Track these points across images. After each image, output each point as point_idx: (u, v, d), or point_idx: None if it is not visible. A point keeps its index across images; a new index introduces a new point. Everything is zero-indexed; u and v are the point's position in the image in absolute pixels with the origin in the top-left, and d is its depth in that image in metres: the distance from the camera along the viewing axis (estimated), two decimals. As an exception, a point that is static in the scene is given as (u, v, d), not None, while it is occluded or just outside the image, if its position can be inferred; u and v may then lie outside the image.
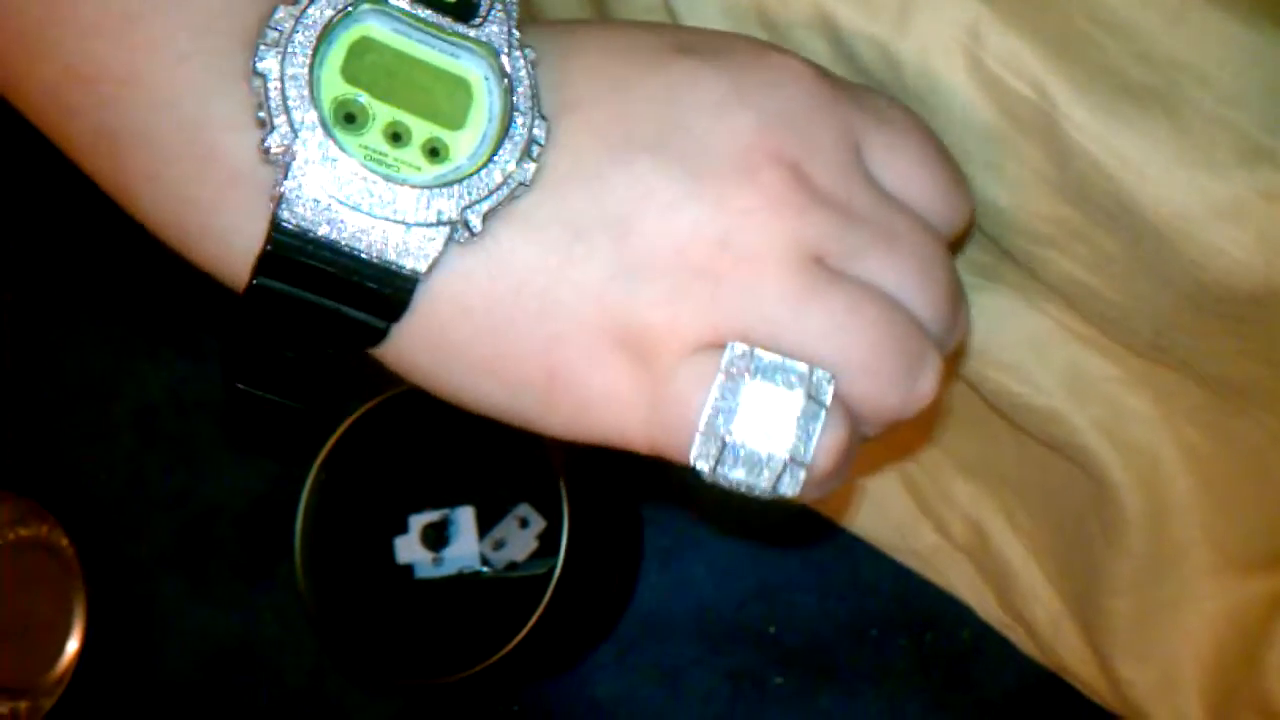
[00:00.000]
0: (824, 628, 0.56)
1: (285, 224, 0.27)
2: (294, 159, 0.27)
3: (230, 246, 0.29)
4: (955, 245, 0.39)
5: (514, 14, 0.29)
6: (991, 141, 0.36)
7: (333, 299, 0.28)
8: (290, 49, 0.27)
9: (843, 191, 0.30)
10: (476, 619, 0.58)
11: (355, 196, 0.27)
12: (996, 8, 0.35)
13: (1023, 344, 0.42)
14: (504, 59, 0.29)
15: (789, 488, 0.29)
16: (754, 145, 0.30)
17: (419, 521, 0.59)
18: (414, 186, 0.28)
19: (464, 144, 0.29)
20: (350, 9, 0.28)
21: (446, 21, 0.29)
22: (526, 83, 0.29)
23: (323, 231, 0.28)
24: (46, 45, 0.28)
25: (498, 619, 0.53)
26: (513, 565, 0.59)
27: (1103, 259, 0.37)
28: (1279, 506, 0.42)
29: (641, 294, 0.29)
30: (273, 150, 0.27)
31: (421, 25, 0.29)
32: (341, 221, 0.28)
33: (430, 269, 0.28)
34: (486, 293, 0.29)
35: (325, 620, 0.54)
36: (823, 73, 0.32)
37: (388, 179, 0.28)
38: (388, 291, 0.28)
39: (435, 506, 0.60)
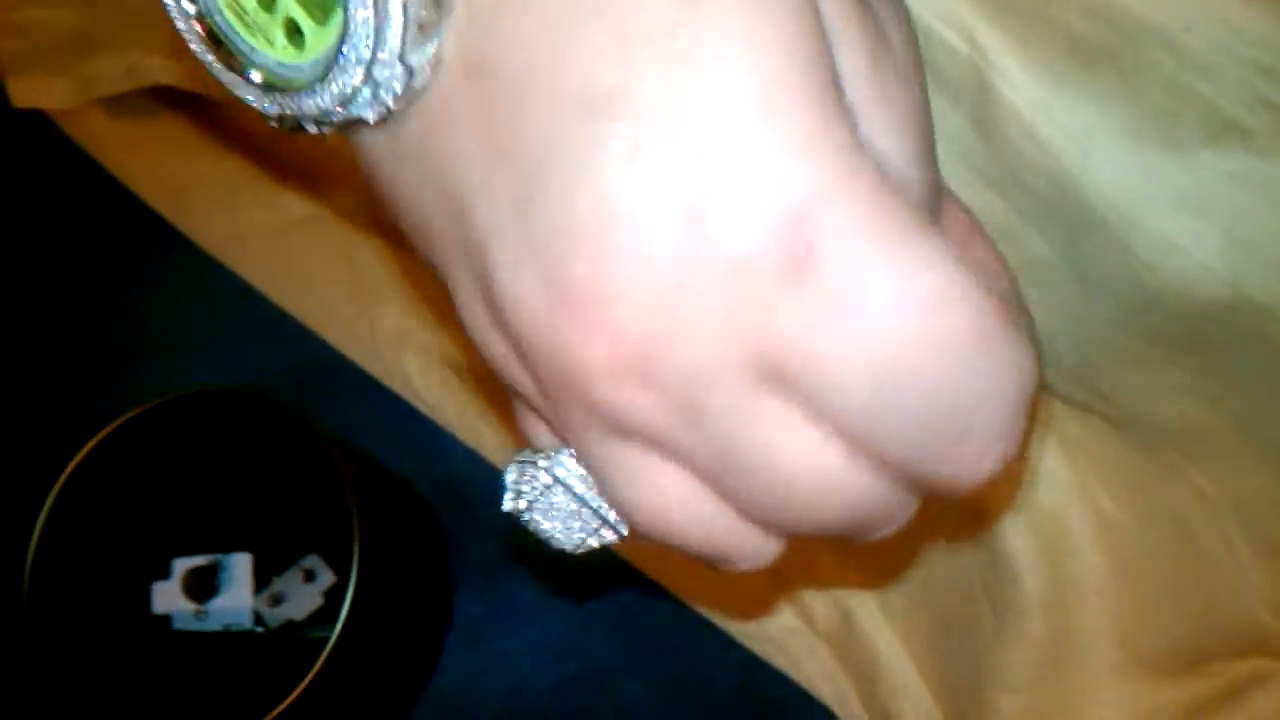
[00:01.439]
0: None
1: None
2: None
3: None
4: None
5: None
6: None
7: None
8: None
9: (688, 400, 0.22)
10: (240, 682, 0.49)
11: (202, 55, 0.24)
12: (924, -56, 0.29)
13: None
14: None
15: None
16: (592, 303, 0.22)
17: (184, 565, 0.50)
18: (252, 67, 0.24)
19: (319, 42, 0.23)
20: None
21: None
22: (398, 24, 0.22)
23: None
24: None
25: (266, 684, 0.44)
26: (291, 625, 0.50)
27: (1027, 263, 0.31)
28: (1203, 595, 0.36)
29: (462, 315, 0.24)
30: None
31: None
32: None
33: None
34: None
35: (53, 670, 0.45)
36: (793, 241, 0.21)
37: (233, 50, 0.24)
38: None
39: (205, 549, 0.51)
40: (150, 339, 0.55)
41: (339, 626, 0.43)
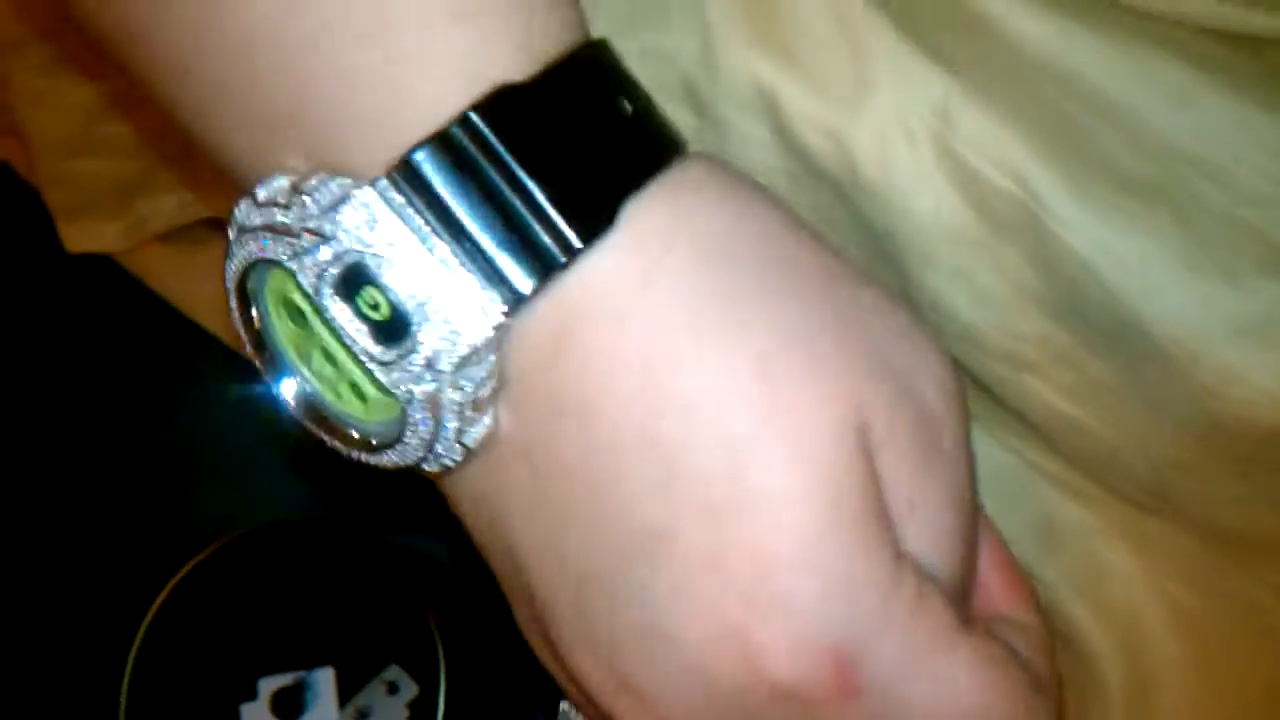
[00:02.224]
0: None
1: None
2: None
3: None
4: None
5: (445, 360, 0.23)
6: (962, 245, 0.31)
7: None
8: (236, 248, 0.25)
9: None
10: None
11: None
12: (969, 85, 0.30)
13: (985, 486, 0.36)
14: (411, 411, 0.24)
15: None
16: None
17: (269, 686, 0.51)
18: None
19: (382, 410, 0.25)
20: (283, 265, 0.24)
21: (362, 335, 0.23)
22: (430, 421, 0.24)
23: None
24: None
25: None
26: (379, 737, 0.51)
27: (1093, 387, 0.32)
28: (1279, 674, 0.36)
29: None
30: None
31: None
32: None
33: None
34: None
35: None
36: (826, 672, 0.23)
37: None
38: None
39: (289, 668, 0.52)
40: (217, 461, 0.56)
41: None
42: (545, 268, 0.23)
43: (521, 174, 0.23)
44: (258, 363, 0.25)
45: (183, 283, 0.54)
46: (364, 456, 0.25)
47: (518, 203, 0.23)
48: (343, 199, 0.23)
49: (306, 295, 0.24)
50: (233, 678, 0.52)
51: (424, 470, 0.25)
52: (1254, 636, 0.36)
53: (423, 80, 0.23)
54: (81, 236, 0.51)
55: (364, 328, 0.23)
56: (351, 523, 0.48)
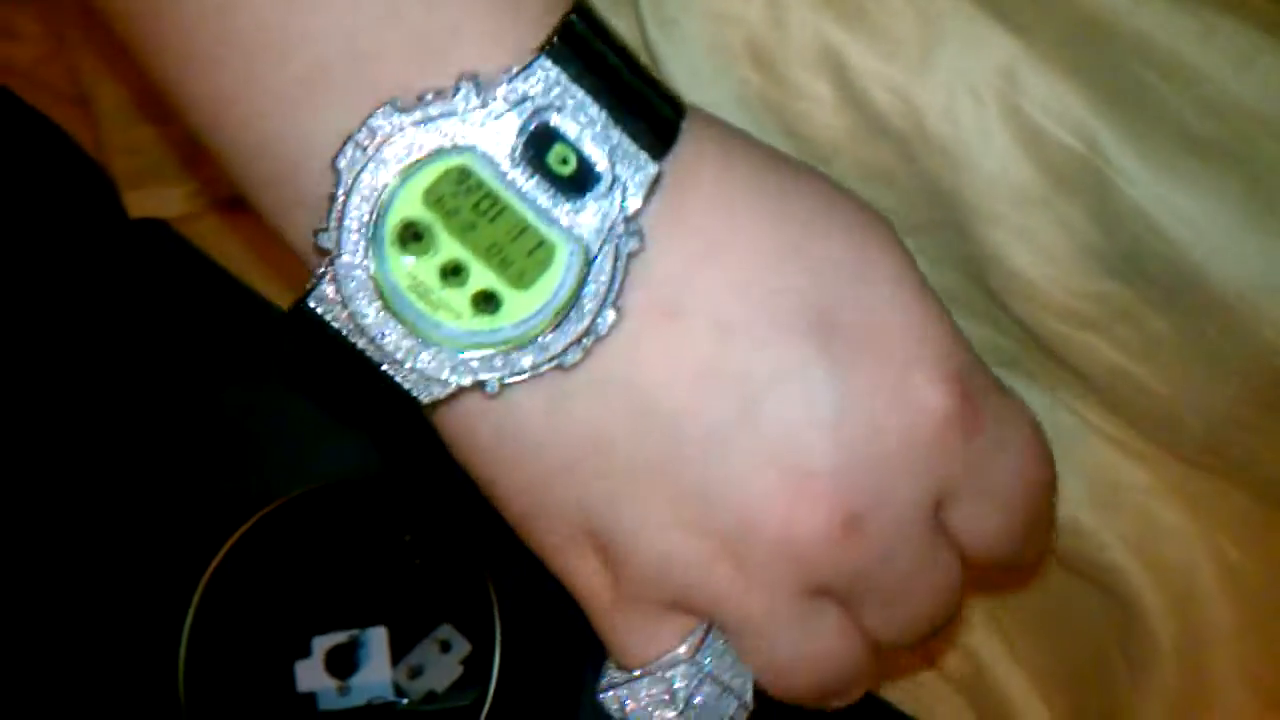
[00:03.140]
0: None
1: (314, 309, 0.27)
2: (333, 266, 0.26)
3: (294, 245, 0.28)
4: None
5: (634, 195, 0.26)
6: (1026, 203, 0.31)
7: (350, 367, 0.28)
8: (377, 156, 0.26)
9: (890, 549, 0.28)
10: (389, 759, 0.51)
11: (375, 329, 0.27)
12: (1036, 46, 0.30)
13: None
14: (590, 251, 0.26)
15: None
16: (819, 486, 0.27)
17: (323, 644, 0.52)
18: (439, 343, 0.27)
19: (522, 306, 0.27)
20: (455, 146, 0.26)
21: (547, 196, 0.26)
22: (605, 280, 0.26)
23: (344, 331, 0.27)
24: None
25: (414, 760, 0.46)
26: (432, 696, 0.52)
27: (1152, 344, 0.32)
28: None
29: (629, 540, 0.28)
30: (319, 245, 0.26)
31: (521, 191, 0.26)
32: (362, 336, 0.27)
33: (436, 404, 0.28)
34: (489, 440, 0.28)
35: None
36: (963, 413, 0.28)
37: (412, 329, 0.27)
38: (399, 395, 0.28)
39: (343, 626, 0.52)
40: (270, 428, 0.56)
41: (492, 691, 0.45)
42: (668, 129, 0.27)
43: (622, 63, 0.26)
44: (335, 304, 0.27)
45: (242, 249, 0.55)
46: (477, 365, 0.27)
47: (631, 78, 0.27)
48: (522, 72, 0.25)
49: (472, 171, 0.26)
50: (288, 636, 0.52)
51: (550, 367, 0.27)
52: (1304, 594, 0.37)
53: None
54: (145, 202, 0.52)
55: (549, 189, 0.26)
56: (406, 483, 0.48)
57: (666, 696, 0.29)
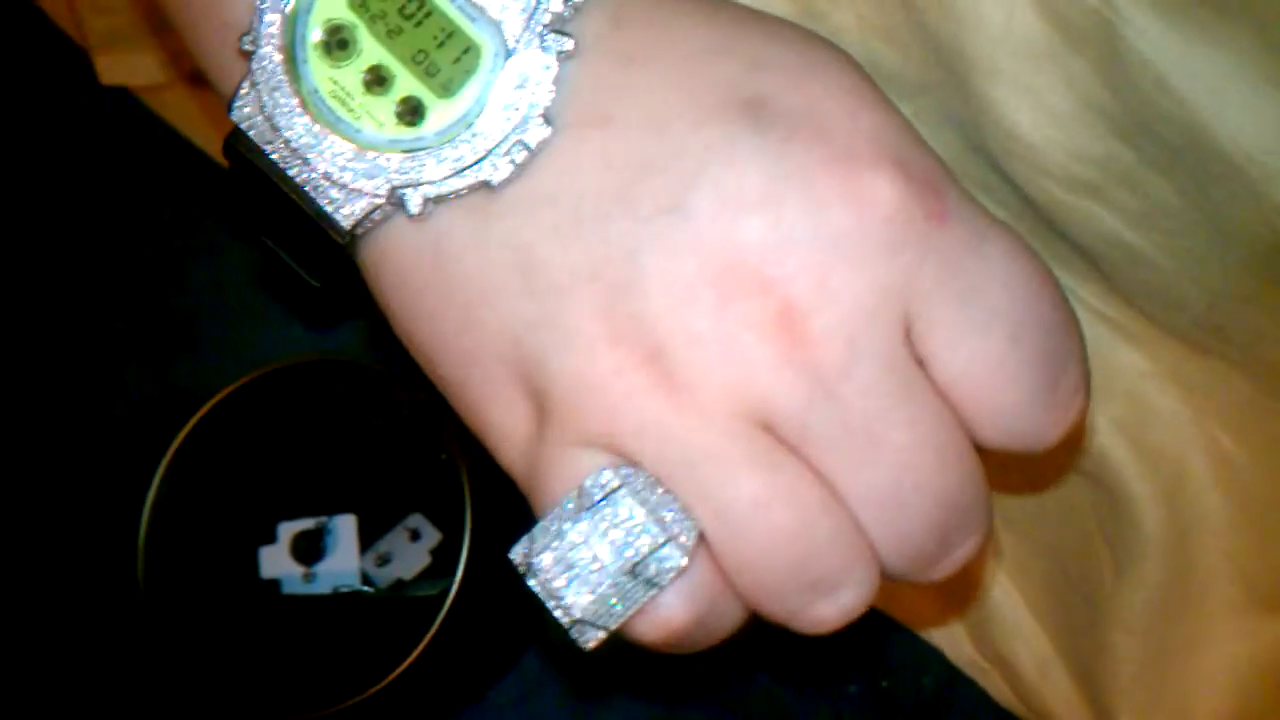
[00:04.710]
0: (764, 670, 0.48)
1: (240, 124, 0.27)
2: (251, 69, 0.26)
3: (221, 83, 0.28)
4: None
5: (553, 2, 0.26)
6: (1033, 58, 0.30)
7: (283, 206, 0.27)
8: None
9: (840, 361, 0.24)
10: (354, 644, 0.50)
11: (298, 138, 0.26)
12: (1047, -107, 0.29)
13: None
14: (520, 46, 0.26)
15: (580, 641, 0.26)
16: (753, 264, 0.24)
17: (289, 530, 0.51)
18: (358, 146, 0.26)
19: (443, 115, 0.26)
20: None
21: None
22: (538, 82, 0.26)
23: (269, 150, 0.27)
24: None
25: (379, 646, 0.45)
26: (400, 584, 0.51)
27: (1155, 211, 0.31)
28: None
29: (558, 361, 0.26)
30: (243, 48, 0.26)
31: None
32: (286, 152, 0.26)
33: (355, 230, 0.27)
34: (420, 278, 0.27)
35: (170, 635, 0.45)
36: (919, 199, 0.25)
37: (333, 127, 0.26)
38: (324, 231, 0.27)
39: (310, 513, 0.51)
40: (231, 305, 0.55)
41: (458, 579, 0.44)
42: None
43: None
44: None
45: (208, 124, 0.53)
46: (394, 171, 0.26)
47: None
48: None
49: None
50: (251, 521, 0.51)
51: (468, 185, 0.26)
52: (1300, 490, 0.36)
53: None
54: (116, 68, 0.50)
55: None
56: (378, 366, 0.47)
57: (578, 518, 0.25)
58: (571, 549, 0.25)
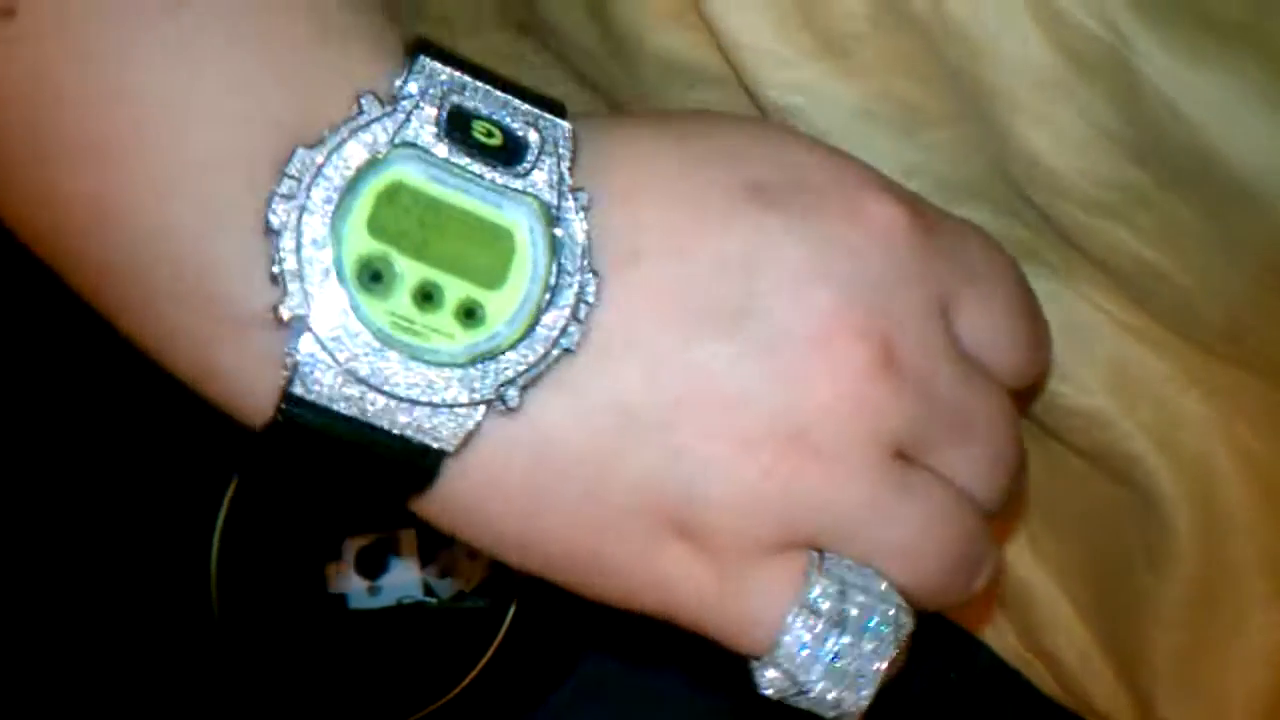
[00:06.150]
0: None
1: (299, 396, 0.25)
2: (308, 330, 0.25)
3: (242, 394, 0.26)
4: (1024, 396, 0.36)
5: (566, 155, 0.27)
6: (1047, 88, 0.31)
7: (352, 464, 0.26)
8: (308, 203, 0.24)
9: (928, 369, 0.28)
10: (419, 656, 0.52)
11: (376, 377, 0.25)
12: (1057, -70, 0.30)
13: (1063, 336, 0.36)
14: (552, 209, 0.26)
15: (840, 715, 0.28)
16: (836, 328, 0.27)
17: (354, 545, 0.53)
18: (443, 366, 0.25)
19: (503, 306, 0.26)
20: (380, 156, 0.25)
21: (489, 168, 0.26)
22: (577, 235, 0.26)
23: (340, 408, 0.25)
24: (26, 173, 0.25)
25: (444, 656, 0.47)
26: (461, 594, 0.53)
27: (1174, 231, 0.32)
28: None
29: (702, 493, 0.26)
30: (285, 317, 0.24)
31: (461, 172, 0.26)
32: (361, 399, 0.25)
33: (460, 447, 0.26)
34: (526, 473, 0.26)
35: (245, 658, 0.47)
36: (916, 215, 0.28)
37: (413, 358, 0.25)
38: (412, 467, 0.26)
39: (372, 529, 0.53)
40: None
41: (519, 591, 0.46)
42: (552, 100, 0.27)
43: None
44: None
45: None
46: (480, 376, 0.26)
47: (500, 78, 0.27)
48: (411, 72, 0.26)
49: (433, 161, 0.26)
50: (319, 538, 0.53)
51: (550, 361, 0.26)
52: (1324, 483, 0.37)
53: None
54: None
55: (489, 161, 0.26)
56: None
57: (820, 625, 0.27)
58: (832, 659, 0.27)
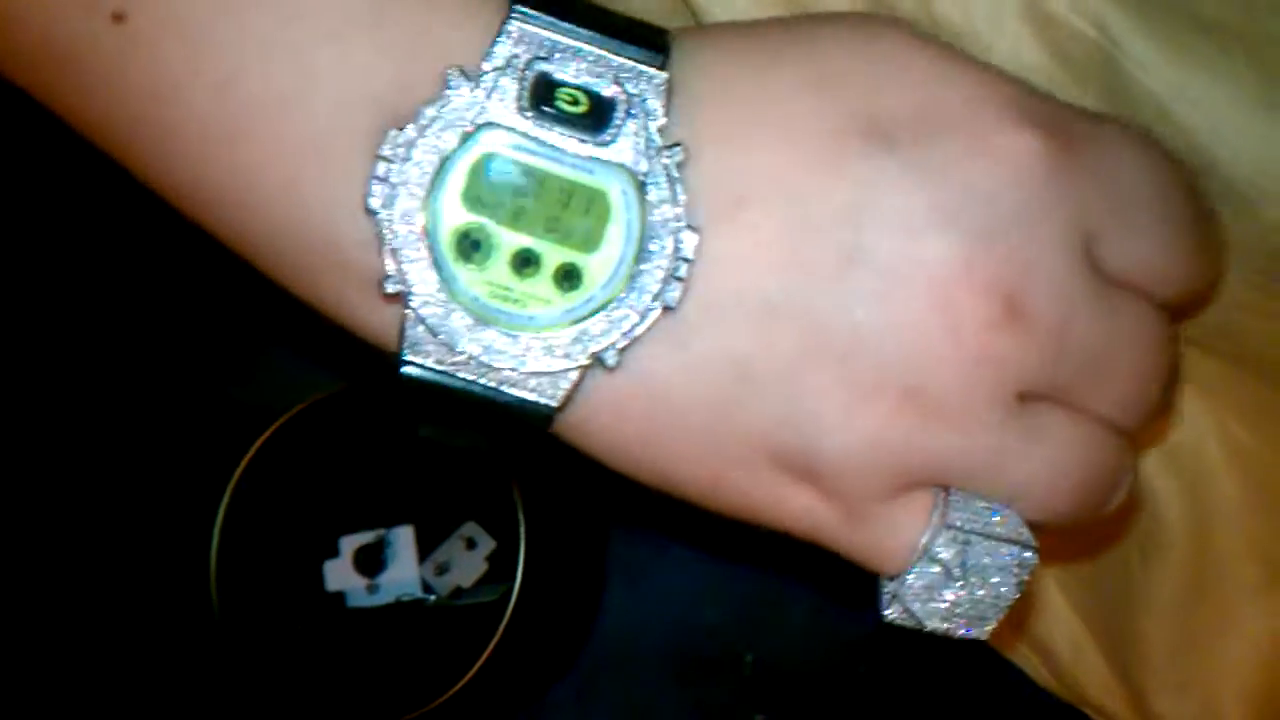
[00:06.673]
0: (808, 657, 0.50)
1: (411, 362, 0.26)
2: (409, 307, 0.26)
3: (381, 346, 0.27)
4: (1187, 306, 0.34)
5: (657, 111, 0.26)
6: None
7: (472, 415, 0.27)
8: (402, 182, 0.25)
9: (1061, 314, 0.26)
10: (418, 653, 0.53)
11: (476, 347, 0.26)
12: (1047, -69, 0.30)
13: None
14: (639, 175, 0.26)
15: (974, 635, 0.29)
16: (955, 278, 0.25)
17: (351, 544, 0.53)
18: (541, 331, 0.26)
19: (600, 267, 0.26)
20: (470, 134, 0.26)
21: (575, 139, 0.26)
22: (668, 196, 0.26)
23: (447, 373, 0.26)
24: (163, 165, 0.27)
25: (443, 653, 0.48)
26: (458, 591, 0.53)
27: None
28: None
29: (819, 444, 0.26)
30: (389, 292, 0.26)
31: (550, 147, 0.26)
32: (467, 364, 0.26)
33: (566, 402, 0.27)
34: (641, 419, 0.27)
35: (245, 657, 0.48)
36: (1055, 140, 0.26)
37: (509, 328, 0.26)
38: (525, 419, 0.27)
39: (369, 527, 0.54)
40: (303, 326, 0.57)
41: (517, 585, 0.46)
42: (658, 38, 0.26)
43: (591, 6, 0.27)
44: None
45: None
46: (588, 335, 0.26)
47: (606, 12, 0.26)
48: (497, 39, 0.25)
49: (498, 155, 0.26)
50: (316, 537, 0.54)
51: (653, 319, 0.26)
52: (1311, 474, 0.37)
53: None
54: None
55: (574, 132, 0.26)
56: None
57: (940, 573, 0.27)
58: (951, 605, 0.28)
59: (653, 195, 0.26)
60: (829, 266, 0.25)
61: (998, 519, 0.27)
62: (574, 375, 0.26)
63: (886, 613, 0.28)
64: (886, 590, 0.28)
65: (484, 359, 0.26)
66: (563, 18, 0.26)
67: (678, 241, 0.26)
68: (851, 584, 0.50)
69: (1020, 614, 0.45)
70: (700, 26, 0.28)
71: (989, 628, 0.28)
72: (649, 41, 0.26)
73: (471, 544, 0.54)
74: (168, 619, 0.57)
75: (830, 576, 0.50)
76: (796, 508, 0.27)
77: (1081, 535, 0.41)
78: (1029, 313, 0.25)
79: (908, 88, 0.26)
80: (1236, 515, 0.38)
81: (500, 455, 0.48)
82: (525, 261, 0.26)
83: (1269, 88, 0.29)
